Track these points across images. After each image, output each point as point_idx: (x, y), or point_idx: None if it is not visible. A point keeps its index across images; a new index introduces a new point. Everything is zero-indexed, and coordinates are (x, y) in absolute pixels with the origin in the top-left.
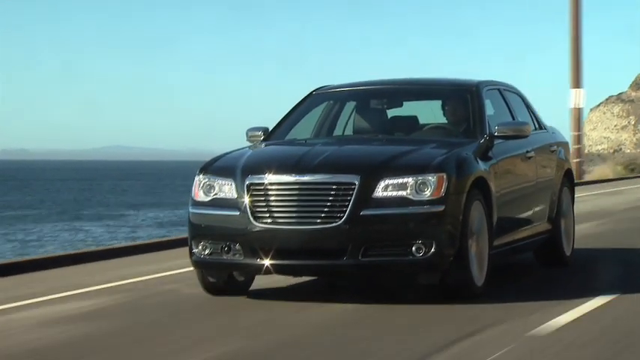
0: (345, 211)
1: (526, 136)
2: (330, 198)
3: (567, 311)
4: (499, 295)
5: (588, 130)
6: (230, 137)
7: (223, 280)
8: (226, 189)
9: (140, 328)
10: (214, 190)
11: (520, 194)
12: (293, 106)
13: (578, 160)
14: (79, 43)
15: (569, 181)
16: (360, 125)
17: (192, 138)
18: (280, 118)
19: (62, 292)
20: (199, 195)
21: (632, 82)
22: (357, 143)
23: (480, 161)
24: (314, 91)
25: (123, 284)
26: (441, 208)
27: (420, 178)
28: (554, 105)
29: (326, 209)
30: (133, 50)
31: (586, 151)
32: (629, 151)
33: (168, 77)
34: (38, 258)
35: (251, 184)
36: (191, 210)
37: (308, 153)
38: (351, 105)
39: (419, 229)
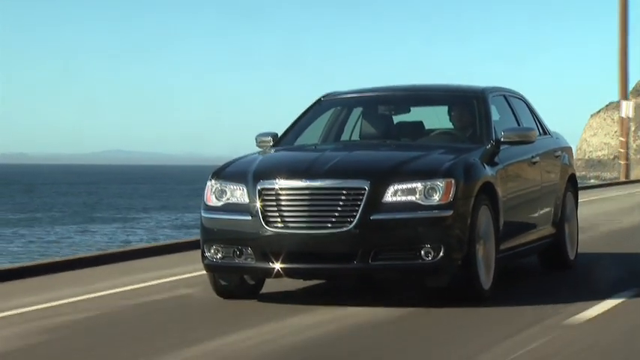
0: (356, 215)
1: (532, 142)
2: (341, 203)
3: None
4: (507, 298)
5: (588, 136)
6: (228, 142)
7: (235, 283)
8: (238, 194)
9: (150, 328)
10: (226, 194)
11: (526, 199)
12: (302, 112)
13: (625, 162)
14: (78, 47)
15: (573, 186)
16: (366, 131)
17: (191, 142)
18: (289, 124)
19: (77, 296)
20: (211, 200)
21: (632, 89)
22: (367, 149)
23: (486, 166)
24: (322, 97)
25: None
26: (450, 212)
27: (428, 183)
28: (553, 107)
29: (336, 214)
30: (132, 54)
31: (586, 156)
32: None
33: (167, 81)
34: (52, 262)
35: (262, 189)
36: (203, 214)
37: (318, 158)
38: (358, 111)
39: (428, 234)
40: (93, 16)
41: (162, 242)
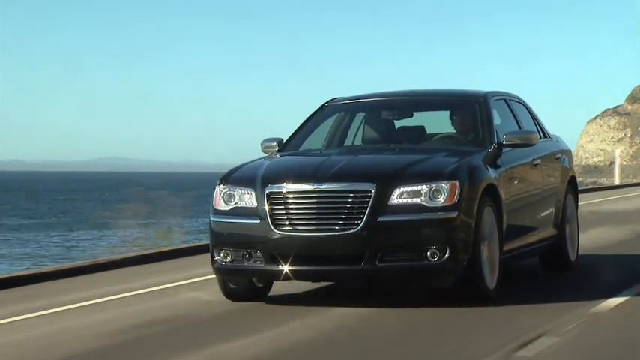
0: (362, 218)
1: (533, 145)
2: (348, 206)
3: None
4: (514, 297)
5: (585, 143)
6: (226, 149)
7: (243, 286)
8: (246, 198)
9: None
10: (235, 199)
11: (528, 201)
12: (306, 118)
13: None
14: (75, 53)
15: (573, 188)
16: (369, 136)
17: (189, 149)
18: (294, 130)
19: (97, 298)
20: (220, 204)
21: (628, 96)
22: (372, 153)
23: (490, 169)
24: (326, 103)
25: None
26: (455, 214)
27: (433, 185)
28: (550, 113)
29: (344, 216)
30: (128, 59)
31: (582, 163)
32: (625, 163)
33: (164, 87)
34: (69, 267)
35: (271, 193)
36: (212, 219)
37: (325, 162)
38: (360, 116)
39: (433, 235)
40: (88, 23)
41: (171, 247)
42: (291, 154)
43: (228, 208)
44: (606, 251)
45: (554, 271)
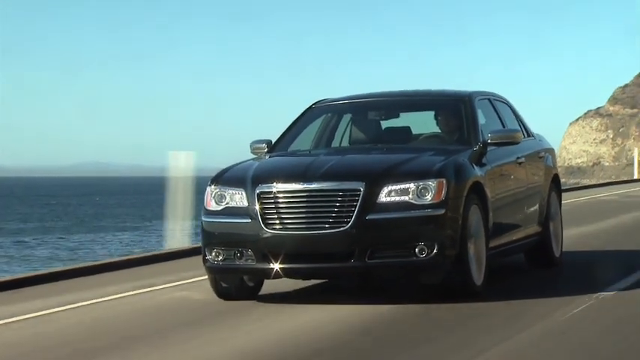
0: (352, 216)
1: (517, 143)
2: (337, 204)
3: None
4: (499, 293)
5: (568, 144)
6: (211, 154)
7: (235, 285)
8: (237, 198)
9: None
10: (226, 199)
11: (513, 198)
12: (294, 119)
13: None
14: (56, 57)
15: (557, 186)
16: (356, 136)
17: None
18: (282, 131)
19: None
20: (211, 204)
21: (610, 97)
22: (360, 152)
23: (475, 167)
24: (313, 104)
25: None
26: (442, 211)
27: (421, 183)
28: (532, 115)
29: (333, 215)
30: (114, 63)
31: (565, 164)
32: (607, 164)
33: (147, 91)
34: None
35: (261, 192)
36: (204, 219)
37: (314, 162)
38: (347, 117)
39: (421, 232)
40: (77, 26)
41: (162, 250)
42: (280, 154)
43: (220, 208)
44: None
45: (540, 268)
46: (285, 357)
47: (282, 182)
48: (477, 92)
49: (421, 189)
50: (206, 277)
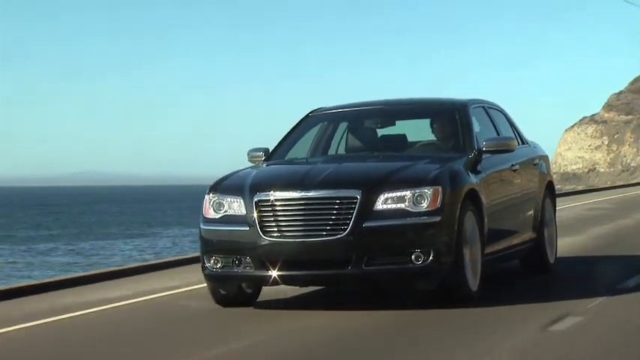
0: (349, 223)
1: (512, 151)
2: (334, 212)
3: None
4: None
5: (563, 150)
6: (205, 162)
7: (233, 292)
8: (235, 206)
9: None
10: (224, 207)
11: (508, 205)
12: (291, 128)
13: None
14: (45, 61)
15: (551, 192)
16: (352, 144)
17: (166, 162)
18: (279, 140)
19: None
20: (210, 212)
21: (605, 104)
22: (357, 160)
23: (471, 174)
24: (310, 113)
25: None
26: (438, 218)
27: (417, 191)
28: (528, 122)
29: (330, 222)
30: (102, 73)
31: (561, 170)
32: (603, 170)
33: (139, 101)
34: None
35: (259, 200)
36: (202, 227)
37: (311, 170)
38: (344, 125)
39: (417, 239)
40: (64, 32)
41: (166, 258)
42: (277, 162)
43: (218, 216)
44: None
45: (535, 273)
46: None
47: (280, 190)
48: (471, 100)
49: (417, 196)
50: (205, 284)
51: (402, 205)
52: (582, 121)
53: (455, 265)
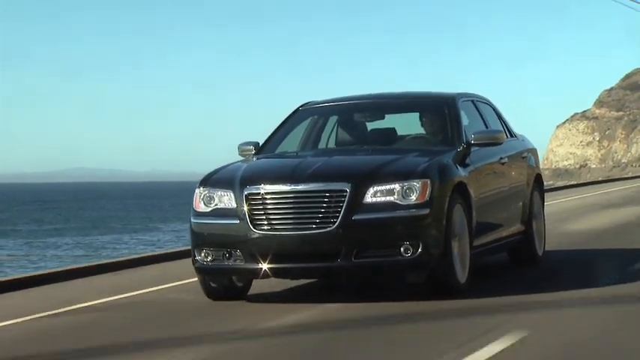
0: (338, 216)
1: (500, 144)
2: (324, 205)
3: None
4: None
5: (555, 147)
6: (191, 159)
7: (224, 285)
8: (225, 199)
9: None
10: (214, 200)
11: (496, 198)
12: (281, 121)
13: None
14: (35, 60)
15: (539, 185)
16: (342, 138)
17: (154, 159)
18: (270, 134)
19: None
20: (200, 206)
21: (596, 100)
22: (346, 154)
23: (459, 167)
24: (300, 107)
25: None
26: (427, 211)
27: (406, 184)
28: (519, 118)
29: (320, 215)
30: (91, 71)
31: (553, 166)
32: (594, 166)
33: (129, 98)
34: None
35: (249, 194)
36: (193, 220)
37: (301, 164)
38: (333, 119)
39: (406, 232)
40: (55, 31)
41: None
42: (267, 156)
43: (208, 209)
44: None
45: (523, 266)
46: (274, 356)
47: (270, 184)
48: (460, 94)
49: (406, 189)
50: (196, 278)
51: (392, 198)
52: (574, 118)
53: (443, 257)
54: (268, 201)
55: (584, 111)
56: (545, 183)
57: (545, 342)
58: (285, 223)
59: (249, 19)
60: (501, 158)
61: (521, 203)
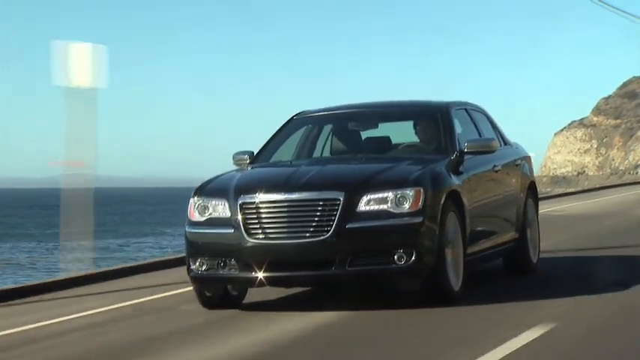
0: (332, 225)
1: (493, 152)
2: (318, 213)
3: None
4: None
5: (552, 154)
6: (187, 164)
7: (219, 294)
8: (220, 209)
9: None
10: (209, 210)
11: (490, 206)
12: (275, 130)
13: None
14: (27, 58)
15: (533, 193)
16: (337, 147)
17: (149, 164)
18: (264, 143)
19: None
20: (195, 215)
21: (594, 108)
22: (340, 162)
23: (452, 175)
24: (294, 116)
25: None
26: (420, 219)
27: (399, 192)
28: (517, 126)
29: (314, 224)
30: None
31: (551, 173)
32: (592, 173)
33: (123, 100)
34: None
35: (243, 203)
36: (188, 229)
37: (295, 173)
38: (328, 128)
39: (400, 240)
40: (51, 30)
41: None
42: (262, 165)
43: (203, 218)
44: None
45: (518, 273)
46: None
47: (264, 193)
48: (453, 102)
49: (399, 198)
50: (190, 287)
51: (385, 207)
52: (571, 125)
53: (437, 265)
54: (263, 210)
55: (582, 119)
56: (542, 190)
57: (543, 350)
58: (279, 231)
59: (250, 19)
60: (495, 166)
61: (514, 211)
